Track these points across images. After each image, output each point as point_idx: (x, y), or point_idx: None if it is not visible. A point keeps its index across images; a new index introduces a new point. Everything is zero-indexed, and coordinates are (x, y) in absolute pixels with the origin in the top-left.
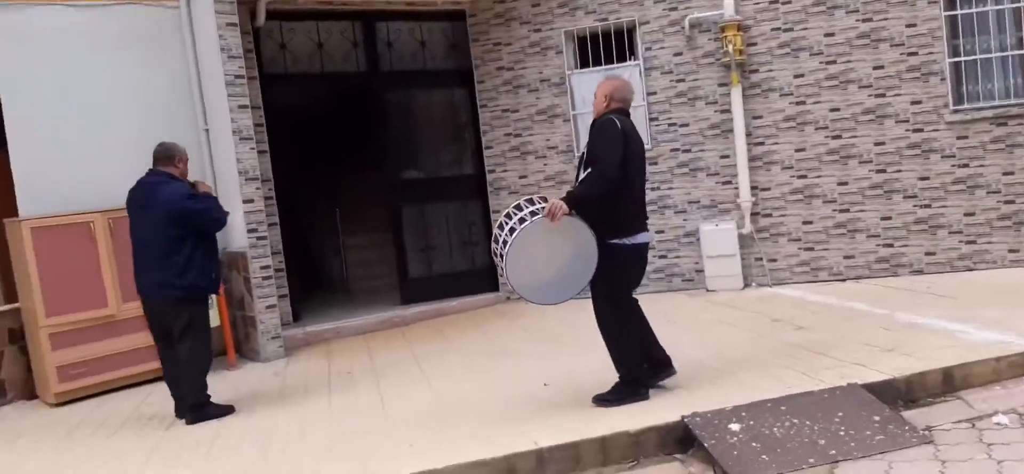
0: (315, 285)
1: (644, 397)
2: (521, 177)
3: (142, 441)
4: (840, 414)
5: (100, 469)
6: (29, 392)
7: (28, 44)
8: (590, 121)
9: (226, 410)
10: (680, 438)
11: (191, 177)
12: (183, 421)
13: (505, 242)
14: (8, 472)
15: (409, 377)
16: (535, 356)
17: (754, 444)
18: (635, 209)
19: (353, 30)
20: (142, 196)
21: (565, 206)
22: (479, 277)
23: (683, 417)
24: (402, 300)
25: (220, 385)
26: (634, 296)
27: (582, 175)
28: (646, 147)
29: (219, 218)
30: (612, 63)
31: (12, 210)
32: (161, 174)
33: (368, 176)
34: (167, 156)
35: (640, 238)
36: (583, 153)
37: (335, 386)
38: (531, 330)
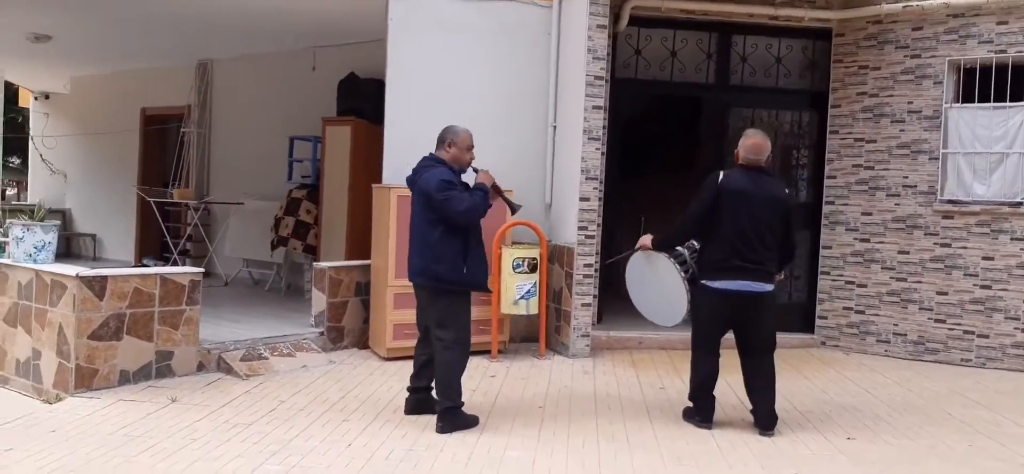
0: (607, 287)
1: (701, 426)
2: (865, 214)
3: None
4: None
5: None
6: (363, 342)
7: (416, 33)
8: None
9: (472, 421)
10: None
11: (531, 171)
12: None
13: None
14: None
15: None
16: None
17: None
18: (724, 255)
19: (709, 41)
20: (413, 178)
21: (648, 242)
22: (793, 313)
23: None
24: None
25: (532, 371)
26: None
27: None
28: (1018, 199)
29: (461, 210)
30: (1003, 101)
31: (373, 178)
32: (431, 158)
33: (690, 188)
34: (439, 139)
35: (721, 284)
36: None
37: (650, 400)
38: (864, 387)
